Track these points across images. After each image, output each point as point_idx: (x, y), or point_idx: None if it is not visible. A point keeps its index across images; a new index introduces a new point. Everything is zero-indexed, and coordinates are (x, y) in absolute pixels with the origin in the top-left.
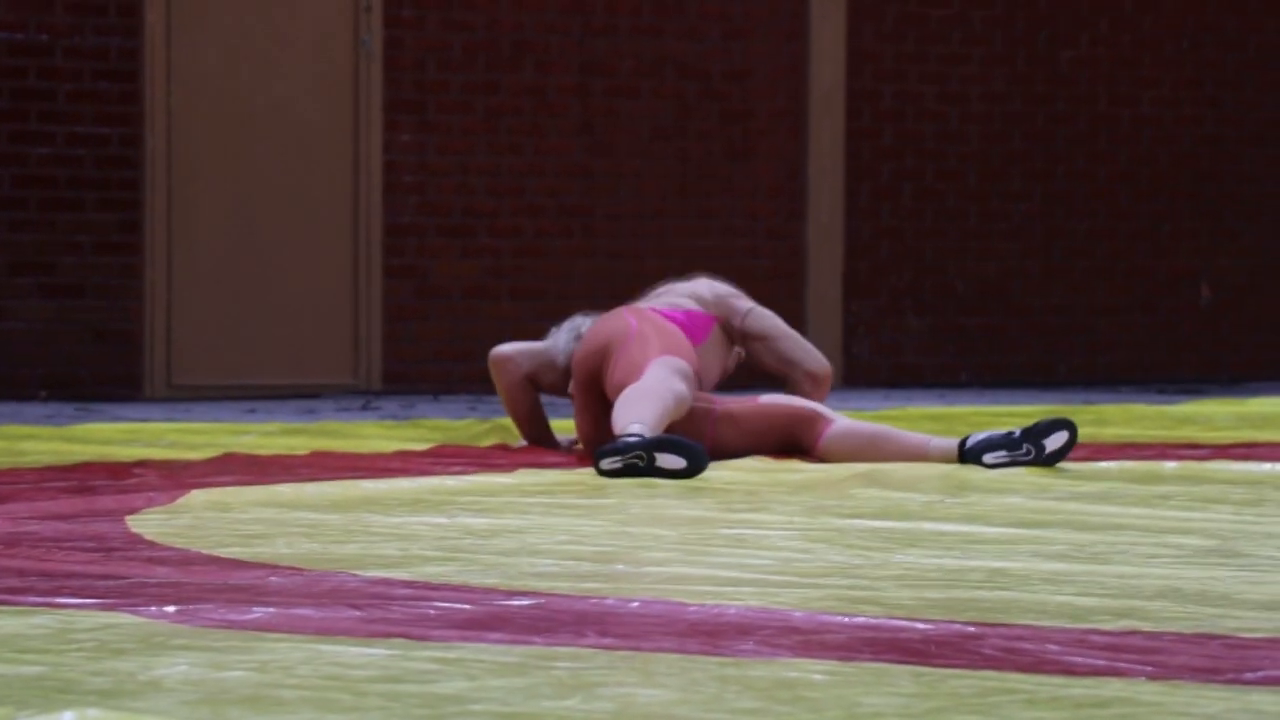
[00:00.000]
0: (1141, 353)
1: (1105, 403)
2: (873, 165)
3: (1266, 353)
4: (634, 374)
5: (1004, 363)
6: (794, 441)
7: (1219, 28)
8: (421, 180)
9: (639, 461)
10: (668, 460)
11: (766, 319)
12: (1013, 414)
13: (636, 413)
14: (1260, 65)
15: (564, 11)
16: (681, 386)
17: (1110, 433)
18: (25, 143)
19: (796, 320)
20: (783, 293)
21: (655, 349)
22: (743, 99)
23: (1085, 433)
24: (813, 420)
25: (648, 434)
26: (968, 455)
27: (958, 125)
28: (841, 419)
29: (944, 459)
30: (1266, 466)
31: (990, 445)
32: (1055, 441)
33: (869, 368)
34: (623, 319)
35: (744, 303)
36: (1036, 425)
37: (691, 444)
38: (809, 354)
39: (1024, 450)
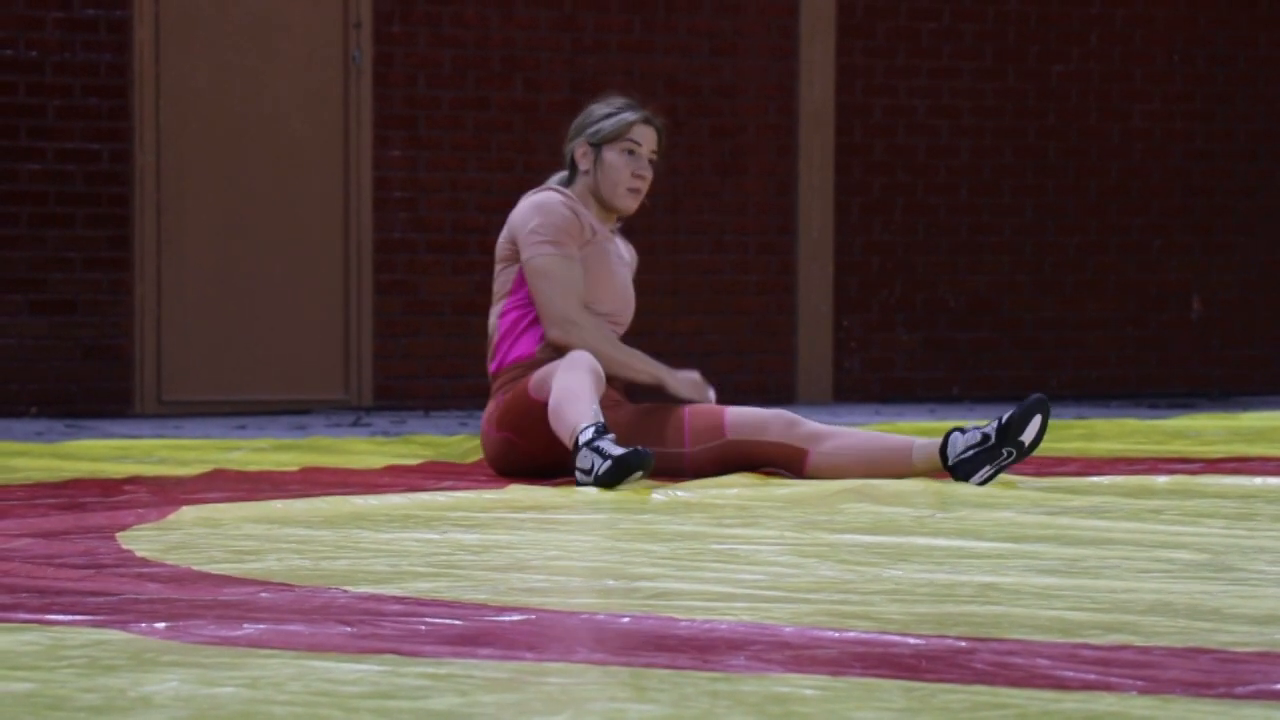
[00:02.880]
0: (1132, 367)
1: (1096, 417)
2: (863, 180)
3: (1257, 367)
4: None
5: (995, 377)
6: (777, 466)
7: (1210, 42)
8: (412, 196)
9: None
10: (611, 449)
11: (536, 261)
12: None
13: (575, 414)
14: (1251, 79)
15: (554, 28)
16: (584, 369)
17: (1101, 447)
18: (15, 159)
19: (788, 335)
20: (773, 307)
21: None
22: (733, 114)
23: (1075, 447)
24: (793, 454)
25: (598, 419)
26: (955, 473)
27: (948, 140)
28: (823, 440)
29: (927, 465)
30: (1258, 480)
31: (974, 464)
32: (1030, 432)
33: (860, 382)
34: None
35: (531, 246)
36: (1009, 421)
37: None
38: (547, 316)
39: (1004, 455)
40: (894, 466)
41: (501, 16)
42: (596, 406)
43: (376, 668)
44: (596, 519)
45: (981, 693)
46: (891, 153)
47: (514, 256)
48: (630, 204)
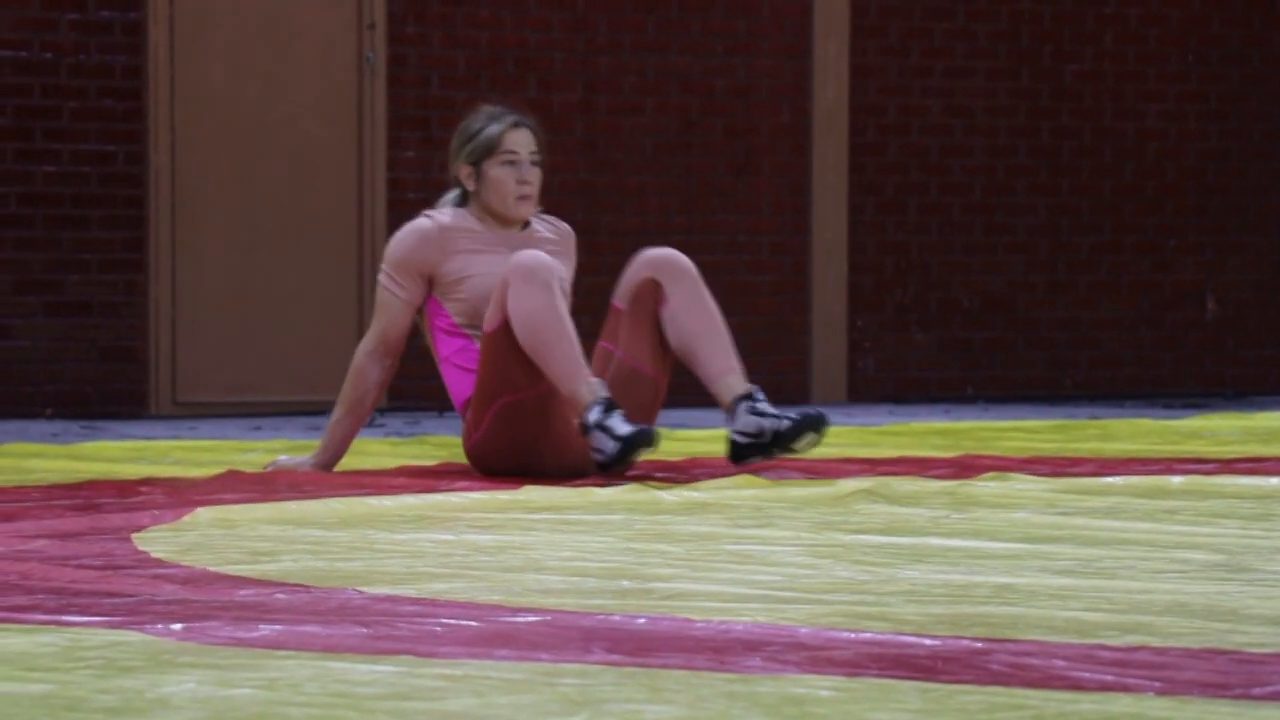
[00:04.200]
0: (1147, 367)
1: (1111, 417)
2: (877, 180)
3: (1272, 366)
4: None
5: (1009, 377)
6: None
7: (1224, 41)
8: (426, 196)
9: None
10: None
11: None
12: (1019, 428)
13: (569, 373)
14: (1265, 79)
15: (567, 28)
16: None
17: (1116, 447)
18: (30, 161)
19: (801, 335)
20: (787, 308)
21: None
22: (746, 115)
23: (1090, 448)
24: (654, 289)
25: (598, 393)
26: (730, 447)
27: (962, 139)
28: (678, 294)
29: (717, 398)
30: (1273, 480)
31: (746, 451)
32: (803, 443)
33: (874, 383)
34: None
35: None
36: (789, 431)
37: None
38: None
39: (774, 454)
40: (704, 367)
41: (515, 17)
42: (587, 370)
43: (393, 669)
44: (611, 520)
45: (998, 694)
46: (905, 152)
47: None
48: (524, 210)
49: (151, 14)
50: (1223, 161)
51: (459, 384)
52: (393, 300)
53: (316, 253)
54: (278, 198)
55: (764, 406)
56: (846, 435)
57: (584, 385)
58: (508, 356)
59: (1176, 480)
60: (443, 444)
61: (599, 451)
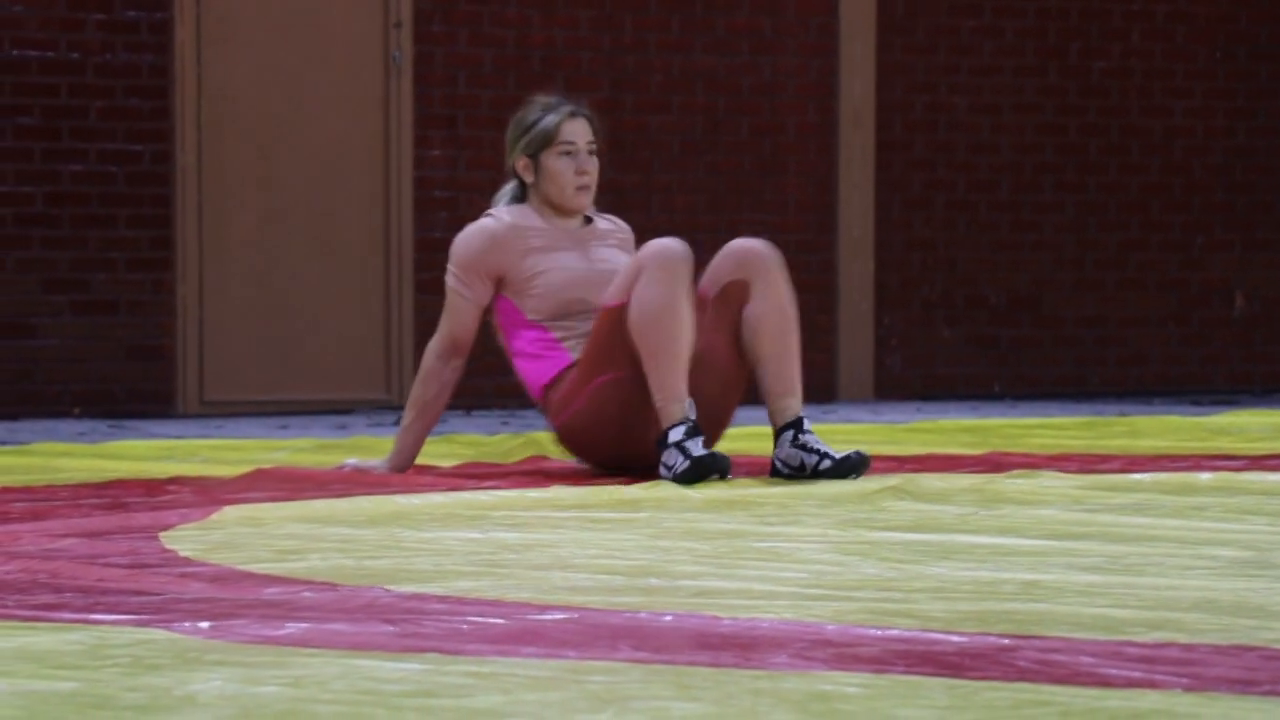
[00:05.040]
0: (1175, 364)
1: (1139, 414)
2: (904, 177)
3: None
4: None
5: (1037, 374)
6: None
7: (1251, 38)
8: (452, 195)
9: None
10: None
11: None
12: (1046, 425)
13: (669, 387)
14: None
15: (594, 27)
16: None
17: (1144, 444)
18: (57, 160)
19: (828, 333)
20: (814, 306)
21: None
22: (773, 113)
23: (1118, 444)
24: (742, 289)
25: (688, 415)
26: (772, 475)
27: (989, 136)
28: (761, 299)
29: (774, 423)
30: None
31: (788, 479)
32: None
33: (901, 380)
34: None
35: (447, 274)
36: (830, 470)
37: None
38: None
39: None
40: (766, 380)
41: (542, 15)
42: (685, 391)
43: (420, 666)
44: (639, 517)
45: (1025, 690)
46: (932, 150)
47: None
48: (583, 200)
49: (178, 14)
50: (1251, 158)
51: (535, 372)
52: (461, 302)
53: (343, 251)
54: (304, 197)
55: (808, 439)
56: (874, 433)
57: (676, 402)
58: (621, 334)
59: (1205, 477)
60: (470, 443)
61: (668, 467)
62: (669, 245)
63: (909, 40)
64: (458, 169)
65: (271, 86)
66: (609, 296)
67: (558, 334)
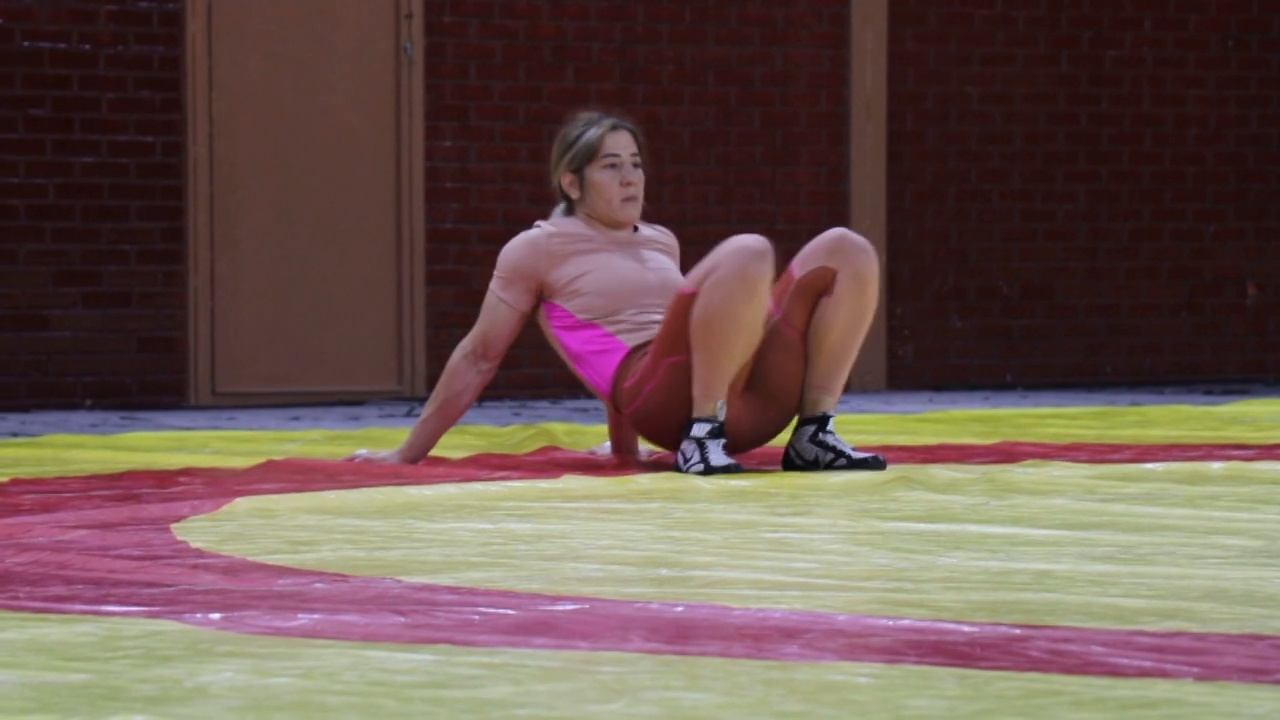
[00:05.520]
0: (1187, 353)
1: (1151, 403)
2: (916, 167)
3: None
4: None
5: (1049, 364)
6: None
7: (1263, 27)
8: (463, 186)
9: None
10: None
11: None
12: (1058, 415)
13: (711, 385)
14: None
15: (605, 17)
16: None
17: (1156, 433)
18: (69, 152)
19: None
20: None
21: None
22: (784, 103)
23: (1130, 434)
24: (829, 278)
25: (718, 416)
26: (785, 466)
27: (1001, 126)
28: (841, 295)
29: (800, 413)
30: None
31: (801, 471)
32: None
33: (913, 370)
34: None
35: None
36: (851, 468)
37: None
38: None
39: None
40: (811, 370)
41: (552, 6)
42: (724, 392)
43: (431, 657)
44: (650, 508)
45: (1036, 680)
46: (944, 140)
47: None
48: (630, 212)
49: (189, 5)
50: (1263, 147)
51: (599, 368)
52: (499, 305)
53: (354, 243)
54: (316, 188)
55: (827, 438)
56: (886, 423)
57: (711, 401)
58: (688, 320)
59: (1216, 466)
60: (482, 434)
61: (685, 458)
62: (746, 247)
63: (920, 30)
64: (469, 160)
65: (283, 78)
66: (689, 281)
67: (610, 328)
